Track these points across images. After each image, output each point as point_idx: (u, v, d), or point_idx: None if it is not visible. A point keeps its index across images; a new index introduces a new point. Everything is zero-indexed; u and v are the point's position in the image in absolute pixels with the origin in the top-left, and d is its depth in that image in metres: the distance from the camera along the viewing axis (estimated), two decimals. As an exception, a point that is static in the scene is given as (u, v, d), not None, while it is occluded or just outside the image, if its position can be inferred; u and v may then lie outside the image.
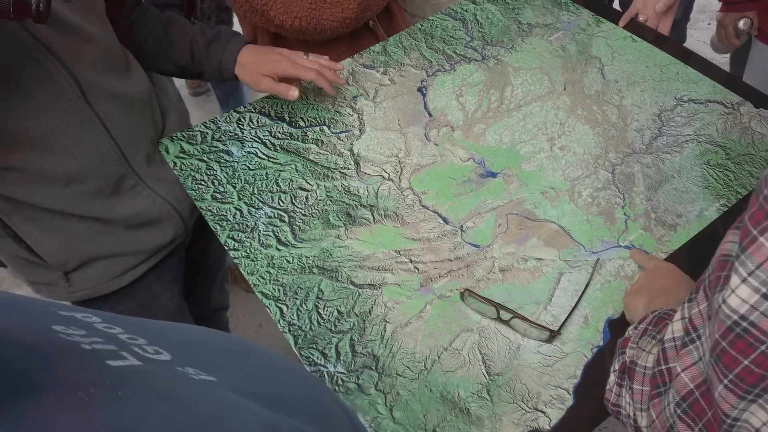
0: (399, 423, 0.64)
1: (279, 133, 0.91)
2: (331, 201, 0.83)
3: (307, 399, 0.36)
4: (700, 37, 2.40)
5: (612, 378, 0.53)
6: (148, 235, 0.84)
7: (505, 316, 0.69)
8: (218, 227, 0.81)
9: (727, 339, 0.33)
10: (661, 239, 0.77)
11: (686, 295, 0.61)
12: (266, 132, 0.92)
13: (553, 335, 0.68)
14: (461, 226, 0.80)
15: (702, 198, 0.80)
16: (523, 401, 0.64)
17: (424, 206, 0.82)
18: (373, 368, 0.68)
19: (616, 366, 0.53)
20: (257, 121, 0.93)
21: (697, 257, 0.74)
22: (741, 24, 1.30)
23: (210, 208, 0.83)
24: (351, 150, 0.89)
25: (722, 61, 1.97)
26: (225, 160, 0.88)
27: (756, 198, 0.33)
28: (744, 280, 0.32)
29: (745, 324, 0.32)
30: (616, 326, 0.69)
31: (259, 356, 0.35)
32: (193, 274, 1.03)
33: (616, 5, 1.68)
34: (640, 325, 0.54)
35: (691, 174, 0.82)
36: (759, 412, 0.34)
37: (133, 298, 0.86)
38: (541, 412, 0.63)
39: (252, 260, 0.77)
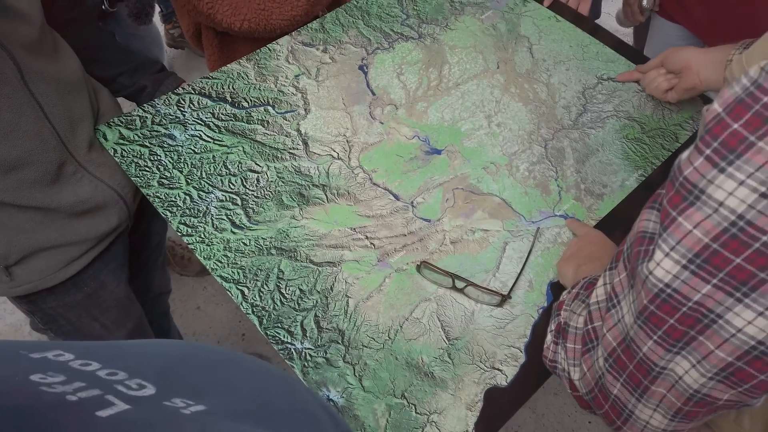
0: (369, 391, 0.67)
1: (222, 114, 0.90)
2: (282, 182, 0.84)
3: (290, 404, 0.37)
4: (605, 8, 2.56)
5: (549, 337, 0.60)
6: (92, 223, 0.81)
7: (459, 284, 0.75)
8: (168, 213, 0.79)
9: (655, 303, 0.40)
10: (590, 208, 0.85)
11: (609, 262, 0.70)
12: (209, 114, 0.90)
13: (503, 300, 0.74)
14: (412, 202, 0.84)
15: (623, 169, 0.89)
16: (481, 361, 0.70)
17: (375, 184, 0.85)
18: (340, 342, 0.71)
19: (552, 326, 0.60)
20: (198, 103, 0.91)
21: (621, 222, 0.83)
22: (645, 2, 1.42)
23: (158, 194, 0.81)
24: (298, 130, 0.90)
25: (626, 32, 2.12)
26: (168, 144, 0.86)
27: (672, 184, 0.39)
28: (667, 254, 0.38)
29: (669, 291, 0.39)
30: (557, 288, 0.77)
31: (238, 366, 0.36)
32: (135, 259, 1.00)
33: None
34: (573, 290, 0.61)
35: (613, 147, 0.91)
36: (682, 362, 0.41)
37: (81, 288, 0.83)
38: (498, 370, 0.70)
39: (207, 245, 0.77)
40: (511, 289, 0.75)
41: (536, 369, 0.70)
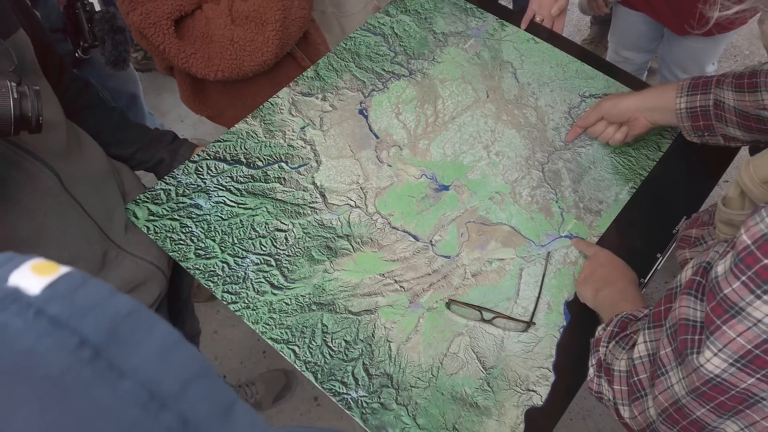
0: (424, 428, 0.76)
1: (240, 177, 0.95)
2: (309, 237, 0.90)
3: None
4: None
5: (591, 371, 0.69)
6: (137, 299, 0.86)
7: (487, 316, 0.83)
8: (211, 283, 0.85)
9: (707, 386, 0.50)
10: (591, 225, 0.93)
11: (624, 284, 0.78)
12: (228, 178, 0.95)
13: (528, 326, 0.83)
14: (430, 241, 0.91)
15: (615, 184, 0.97)
16: (517, 385, 0.79)
17: (393, 227, 0.92)
18: (390, 385, 0.79)
19: (593, 361, 0.69)
20: (216, 168, 0.96)
21: (620, 234, 0.92)
22: (609, -5, 1.50)
23: (197, 266, 0.86)
24: (314, 183, 0.96)
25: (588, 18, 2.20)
26: (196, 214, 0.91)
27: (713, 295, 0.48)
28: (715, 354, 0.48)
29: (719, 379, 0.49)
30: (573, 306, 0.85)
31: None
32: (169, 315, 1.05)
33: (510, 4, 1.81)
34: (608, 328, 0.69)
35: (603, 163, 0.99)
36: (732, 425, 0.51)
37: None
38: (533, 391, 0.79)
39: (253, 309, 0.83)
40: (533, 315, 0.84)
41: (565, 384, 0.79)
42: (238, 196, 0.93)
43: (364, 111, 1.04)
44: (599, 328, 0.71)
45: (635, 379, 0.59)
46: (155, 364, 0.19)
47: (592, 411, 1.53)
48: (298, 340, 0.82)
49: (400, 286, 0.87)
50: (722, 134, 0.85)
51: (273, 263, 0.87)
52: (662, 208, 0.94)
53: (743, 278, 0.45)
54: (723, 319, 0.47)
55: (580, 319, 0.84)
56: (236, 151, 0.98)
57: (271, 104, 1.03)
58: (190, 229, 0.89)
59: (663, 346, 0.54)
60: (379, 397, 0.78)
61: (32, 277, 0.19)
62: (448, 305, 0.84)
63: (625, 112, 0.91)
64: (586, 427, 1.51)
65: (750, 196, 0.61)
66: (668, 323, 0.54)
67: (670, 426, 0.54)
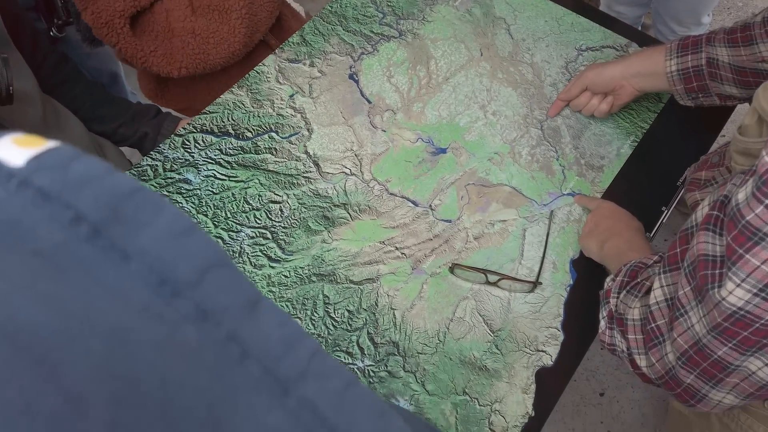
0: (434, 394, 0.74)
1: (229, 149, 0.92)
2: (305, 208, 0.87)
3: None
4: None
5: (603, 323, 0.67)
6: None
7: (492, 278, 0.81)
8: (206, 259, 0.82)
9: (729, 321, 0.47)
10: (593, 181, 0.91)
11: (630, 233, 0.76)
12: (216, 150, 0.91)
13: (534, 286, 0.81)
14: (430, 206, 0.88)
15: (616, 138, 0.94)
16: (526, 347, 0.77)
17: (391, 194, 0.89)
18: (396, 353, 0.77)
19: (604, 313, 0.67)
20: (203, 141, 0.92)
21: (624, 189, 0.89)
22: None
23: (191, 242, 0.83)
24: (306, 152, 0.92)
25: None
26: (186, 189, 0.88)
27: (734, 224, 0.46)
28: (738, 285, 0.46)
29: (742, 312, 0.46)
30: (579, 264, 0.83)
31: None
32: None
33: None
34: (617, 278, 0.67)
35: (603, 117, 0.96)
36: (755, 361, 0.49)
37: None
38: (542, 351, 0.77)
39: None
40: (539, 275, 0.82)
41: (575, 343, 0.77)
42: (228, 168, 0.90)
43: (355, 76, 1.00)
44: (608, 279, 0.69)
45: (652, 326, 0.57)
46: (165, 248, 0.16)
47: (596, 371, 1.53)
48: (300, 312, 0.79)
49: (402, 253, 0.84)
50: (717, 93, 0.82)
51: (269, 236, 0.85)
52: (666, 160, 0.92)
53: (767, 201, 0.43)
54: (746, 247, 0.44)
55: (587, 277, 0.82)
56: (223, 122, 0.94)
57: (257, 72, 0.99)
58: (180, 204, 0.86)
59: (681, 287, 0.52)
60: (386, 366, 0.76)
61: (14, 148, 0.16)
62: (451, 270, 0.82)
63: (611, 81, 0.87)
64: (590, 386, 1.51)
65: None
66: (686, 263, 0.52)
67: (691, 369, 0.52)
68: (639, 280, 0.64)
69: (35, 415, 0.11)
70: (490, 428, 0.72)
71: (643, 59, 0.85)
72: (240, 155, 0.91)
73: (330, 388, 0.16)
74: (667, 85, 0.84)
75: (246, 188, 0.88)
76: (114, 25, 0.93)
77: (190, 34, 0.98)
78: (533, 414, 0.73)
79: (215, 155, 0.91)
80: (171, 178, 0.88)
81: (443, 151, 0.93)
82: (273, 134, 0.94)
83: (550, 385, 0.75)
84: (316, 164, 0.91)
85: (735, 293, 0.46)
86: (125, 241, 0.15)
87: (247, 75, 0.99)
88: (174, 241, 0.16)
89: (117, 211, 0.15)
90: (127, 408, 0.13)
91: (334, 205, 0.88)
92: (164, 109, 0.99)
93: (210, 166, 0.90)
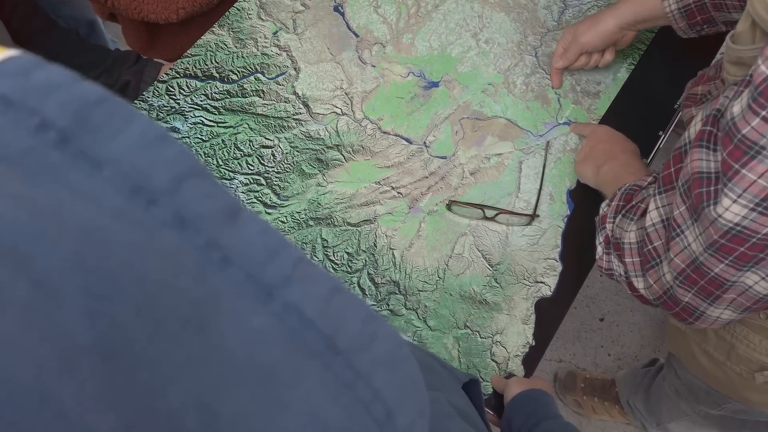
0: (436, 329, 0.76)
1: (215, 93, 0.89)
2: (297, 151, 0.86)
3: (442, 370, 0.45)
4: None
5: (600, 249, 0.67)
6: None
7: (489, 213, 0.81)
8: (201, 209, 0.81)
9: (725, 238, 0.47)
10: (590, 108, 0.89)
11: (626, 156, 0.75)
12: (202, 96, 0.89)
13: (532, 219, 0.81)
14: (424, 142, 0.87)
15: (613, 61, 0.92)
16: (524, 279, 0.78)
17: (384, 132, 0.88)
18: (397, 292, 0.78)
19: (600, 239, 0.67)
20: (188, 86, 0.89)
21: (621, 114, 0.88)
22: None
23: (184, 192, 0.82)
24: (295, 93, 0.90)
25: None
26: (174, 138, 0.85)
27: (729, 139, 0.44)
28: (734, 201, 0.45)
29: (739, 228, 0.46)
30: (576, 194, 0.83)
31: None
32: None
33: None
34: (613, 203, 0.67)
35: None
36: (752, 276, 0.48)
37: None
38: (541, 282, 0.78)
39: (248, 231, 0.81)
40: (536, 207, 0.82)
41: (573, 272, 0.78)
42: (216, 114, 0.87)
43: (340, 7, 0.96)
44: (603, 204, 0.68)
45: (649, 248, 0.57)
46: (139, 156, 0.15)
47: (595, 298, 1.56)
48: (299, 257, 0.80)
49: (398, 192, 0.84)
50: (723, 22, 0.79)
51: (263, 182, 0.84)
52: (663, 83, 0.90)
53: (763, 113, 0.41)
54: (742, 161, 0.44)
55: (584, 207, 0.82)
56: (207, 65, 0.91)
57: (238, 9, 0.95)
58: (170, 154, 0.84)
59: (676, 206, 0.52)
60: (388, 305, 0.77)
61: None
62: (448, 207, 0.82)
63: (609, 38, 0.83)
64: (590, 312, 1.55)
65: (763, 26, 0.55)
66: (680, 182, 0.51)
67: (688, 287, 0.53)
68: (634, 203, 0.64)
69: (7, 302, 0.11)
70: (492, 359, 0.74)
71: (635, 7, 0.80)
72: (227, 99, 0.88)
73: (315, 293, 0.16)
74: (667, 22, 0.80)
75: (236, 134, 0.86)
76: None
77: None
78: (533, 343, 0.75)
79: (201, 101, 0.88)
80: (158, 127, 0.86)
81: (435, 84, 0.91)
82: (259, 75, 0.90)
83: (549, 315, 0.76)
84: (306, 105, 0.89)
85: (731, 209, 0.45)
86: (96, 149, 0.14)
87: (227, 13, 0.94)
88: (148, 150, 0.15)
89: (86, 119, 0.14)
90: (104, 301, 0.12)
91: (327, 147, 0.86)
92: (145, 56, 0.94)
93: (197, 113, 0.87)
